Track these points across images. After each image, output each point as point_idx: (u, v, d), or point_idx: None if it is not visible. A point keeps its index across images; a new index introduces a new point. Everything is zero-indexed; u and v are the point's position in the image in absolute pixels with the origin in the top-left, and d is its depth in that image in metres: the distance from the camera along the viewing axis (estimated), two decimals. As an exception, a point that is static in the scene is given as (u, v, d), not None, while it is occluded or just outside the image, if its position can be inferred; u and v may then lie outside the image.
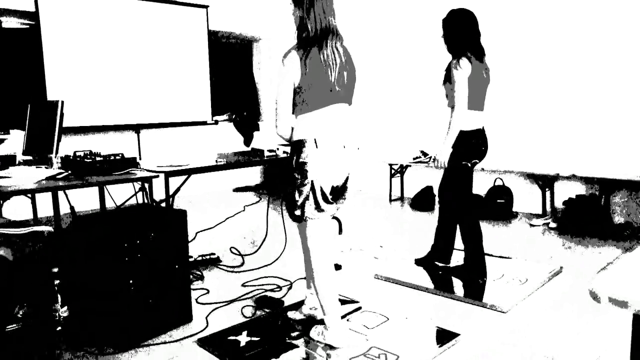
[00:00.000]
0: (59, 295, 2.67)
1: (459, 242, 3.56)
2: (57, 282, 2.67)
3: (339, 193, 2.49)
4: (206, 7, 6.59)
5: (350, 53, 2.46)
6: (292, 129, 2.40)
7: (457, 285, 3.33)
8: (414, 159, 6.18)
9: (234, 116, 7.27)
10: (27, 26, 5.56)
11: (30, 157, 3.37)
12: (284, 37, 7.37)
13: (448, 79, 3.28)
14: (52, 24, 5.34)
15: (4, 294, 2.04)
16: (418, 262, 3.70)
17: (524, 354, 2.41)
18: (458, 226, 3.48)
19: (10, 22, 5.54)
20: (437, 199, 5.94)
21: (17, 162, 3.28)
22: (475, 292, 3.19)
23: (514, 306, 2.97)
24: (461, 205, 3.40)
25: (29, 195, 4.00)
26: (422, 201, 5.95)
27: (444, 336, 2.60)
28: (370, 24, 6.57)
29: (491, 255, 3.82)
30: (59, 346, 2.53)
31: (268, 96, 7.93)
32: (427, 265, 3.63)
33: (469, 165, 3.30)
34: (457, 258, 3.65)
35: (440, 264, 3.61)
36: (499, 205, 5.27)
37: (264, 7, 7.31)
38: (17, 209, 4.32)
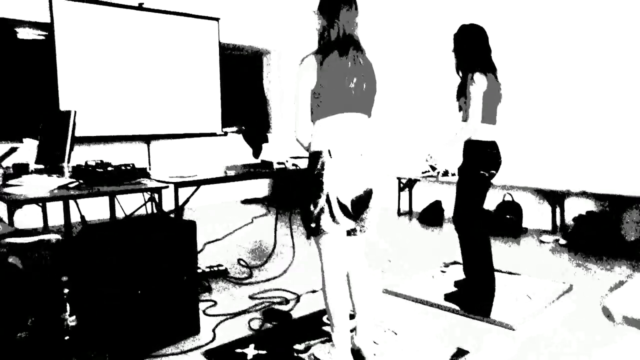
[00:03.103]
0: (67, 305, 2.68)
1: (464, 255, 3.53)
2: (66, 291, 2.68)
3: (360, 207, 2.38)
4: (217, 19, 6.67)
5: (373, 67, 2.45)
6: (311, 135, 2.37)
7: (466, 301, 3.30)
8: (422, 173, 6.17)
9: (243, 128, 7.31)
10: (42, 37, 5.64)
11: (42, 166, 3.40)
12: (294, 49, 7.45)
13: (462, 93, 3.28)
14: (66, 35, 5.41)
15: (14, 302, 2.04)
16: (458, 284, 3.58)
17: (534, 372, 2.38)
18: (459, 238, 3.43)
19: (26, 33, 5.63)
20: (451, 212, 5.93)
21: (29, 171, 3.31)
22: (484, 309, 3.16)
23: (523, 323, 2.93)
24: (472, 218, 3.36)
25: (40, 204, 4.03)
26: (430, 216, 5.92)
27: (453, 353, 2.57)
28: (378, 33, 6.61)
29: (500, 271, 3.79)
30: (68, 356, 2.52)
31: (278, 108, 7.97)
32: (465, 289, 3.48)
33: (487, 175, 3.29)
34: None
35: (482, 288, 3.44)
36: (508, 221, 5.24)
37: (274, 20, 7.38)
38: (28, 217, 4.35)
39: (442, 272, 3.94)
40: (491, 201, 5.38)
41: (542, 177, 5.27)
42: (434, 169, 6.03)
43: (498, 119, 3.36)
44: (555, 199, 5.16)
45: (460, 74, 3.34)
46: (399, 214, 6.43)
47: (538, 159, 5.36)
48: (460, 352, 2.57)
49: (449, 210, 6.02)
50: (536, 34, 5.35)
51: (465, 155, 3.34)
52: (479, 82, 3.15)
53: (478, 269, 3.39)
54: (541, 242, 4.92)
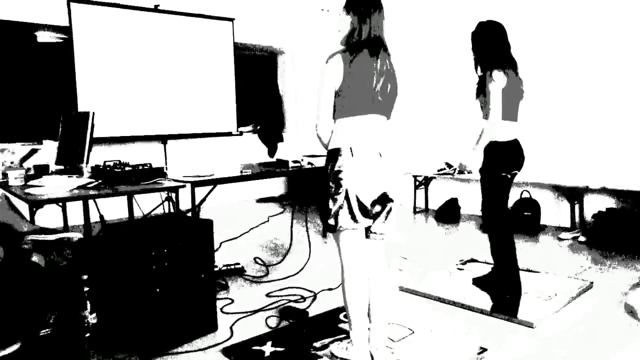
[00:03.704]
0: (88, 302, 2.72)
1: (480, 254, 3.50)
2: (86, 289, 2.72)
3: (378, 208, 2.37)
4: (232, 19, 6.71)
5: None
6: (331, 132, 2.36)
7: (484, 298, 3.28)
8: (438, 170, 6.14)
9: (258, 127, 7.34)
10: (61, 40, 5.73)
11: (62, 167, 3.46)
12: (308, 49, 7.45)
13: (481, 91, 3.24)
14: (84, 38, 5.49)
15: (37, 299, 2.09)
16: (476, 281, 3.57)
17: (554, 370, 2.36)
18: (488, 238, 3.41)
19: (45, 37, 5.72)
20: (467, 209, 5.89)
21: (50, 172, 3.37)
22: (503, 306, 3.14)
23: (543, 321, 2.90)
24: (498, 218, 3.32)
25: (60, 203, 4.10)
26: (447, 213, 5.89)
27: (471, 350, 2.55)
28: (394, 30, 6.59)
29: (519, 269, 3.74)
30: (88, 352, 2.56)
31: (292, 108, 7.99)
32: (487, 286, 3.46)
33: (509, 176, 3.25)
34: (482, 269, 3.60)
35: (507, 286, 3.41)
36: (526, 218, 5.18)
37: (289, 20, 7.40)
38: (48, 217, 4.42)
39: (459, 269, 3.91)
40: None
41: (560, 174, 5.20)
42: (450, 166, 6.01)
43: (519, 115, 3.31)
44: (575, 195, 5.08)
45: (479, 71, 3.30)
46: (415, 211, 6.40)
47: (556, 155, 5.29)
48: (479, 349, 2.55)
49: (465, 208, 5.99)
50: (553, 31, 5.28)
51: (485, 156, 3.28)
52: (498, 80, 3.11)
53: (505, 268, 3.35)
54: (560, 239, 4.86)
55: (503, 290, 3.35)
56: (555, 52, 5.27)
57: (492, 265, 3.48)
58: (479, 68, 3.30)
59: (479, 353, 2.52)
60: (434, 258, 4.26)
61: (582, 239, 4.74)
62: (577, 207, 5.11)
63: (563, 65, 5.23)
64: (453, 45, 5.87)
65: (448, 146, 6.15)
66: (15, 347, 1.65)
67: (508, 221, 3.37)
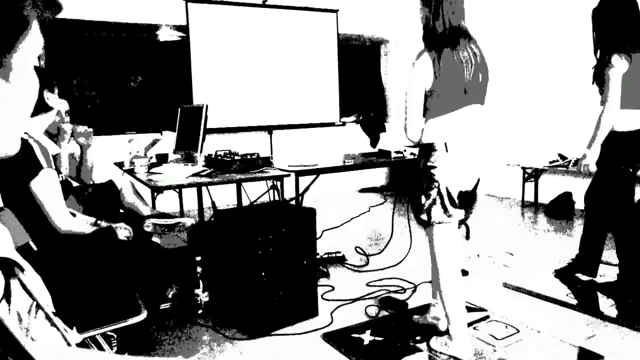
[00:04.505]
0: (200, 282, 2.94)
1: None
2: (199, 269, 2.94)
3: (468, 199, 2.36)
4: (336, 11, 6.77)
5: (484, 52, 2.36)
6: (422, 131, 2.34)
7: (601, 301, 3.04)
8: (550, 162, 5.76)
9: (360, 117, 7.37)
10: (179, 38, 6.16)
11: (179, 156, 3.74)
12: (412, 38, 7.31)
13: (600, 76, 2.97)
14: (199, 35, 5.86)
15: (159, 276, 2.30)
16: (558, 273, 3.42)
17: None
18: (614, 239, 3.15)
19: (165, 35, 6.19)
20: (582, 204, 5.48)
21: (168, 160, 3.66)
22: (622, 312, 2.89)
23: (670, 330, 2.64)
24: (619, 215, 3.06)
25: (177, 190, 4.44)
26: (558, 208, 5.51)
27: (584, 356, 2.40)
28: (501, 16, 6.26)
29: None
30: (200, 328, 2.78)
31: (395, 98, 7.91)
32: (568, 277, 3.34)
33: (630, 170, 2.98)
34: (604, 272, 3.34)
35: (585, 277, 3.30)
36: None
37: (392, 9, 7.31)
38: (167, 202, 4.82)
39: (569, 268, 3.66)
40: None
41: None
42: (563, 158, 5.61)
43: None
44: None
45: (598, 55, 3.02)
46: (524, 205, 6.07)
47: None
48: (593, 356, 2.39)
49: (580, 203, 5.55)
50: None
51: (604, 147, 2.97)
52: (618, 65, 2.83)
53: (624, 269, 3.09)
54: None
55: (627, 295, 3.07)
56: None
57: (618, 268, 3.21)
58: (598, 51, 3.02)
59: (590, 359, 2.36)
60: (543, 255, 4.03)
61: None
62: None
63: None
64: (570, 22, 5.44)
65: (562, 136, 5.74)
66: (143, 316, 1.85)
67: (634, 218, 3.08)
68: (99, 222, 2.39)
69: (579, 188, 5.60)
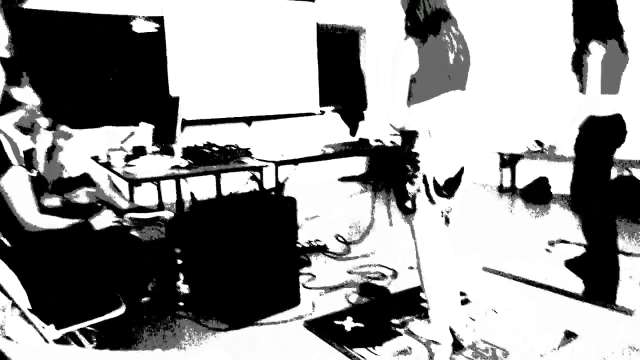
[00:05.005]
0: (180, 274, 2.93)
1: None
2: (179, 262, 2.93)
3: (453, 186, 2.35)
4: (313, 0, 6.73)
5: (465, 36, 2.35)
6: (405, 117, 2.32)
7: (576, 281, 3.11)
8: (527, 148, 5.84)
9: (340, 107, 7.37)
10: (154, 30, 6.06)
11: (157, 148, 3.70)
12: (390, 26, 7.32)
13: (578, 63, 2.99)
14: (175, 26, 5.78)
15: (138, 269, 2.28)
16: (569, 264, 3.41)
17: (653, 359, 2.21)
18: (580, 219, 3.20)
19: (139, 27, 6.08)
20: (558, 189, 5.58)
21: (146, 153, 3.61)
22: (597, 291, 2.96)
23: (643, 308, 2.72)
24: (595, 196, 3.10)
25: (155, 182, 4.38)
26: (535, 193, 5.61)
27: (559, 335, 2.45)
28: (479, 2, 6.29)
29: (618, 252, 3.51)
30: (181, 320, 2.76)
31: (374, 86, 7.92)
32: (580, 269, 3.29)
33: (609, 154, 3.02)
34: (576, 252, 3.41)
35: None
36: (625, 199, 4.81)
37: (370, -3, 7.30)
38: (145, 195, 4.76)
39: (547, 250, 3.74)
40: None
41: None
42: (540, 144, 5.68)
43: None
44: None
45: (577, 40, 3.04)
46: (501, 190, 6.16)
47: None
48: (568, 334, 2.45)
49: (556, 187, 5.66)
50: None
51: (583, 132, 2.99)
52: (595, 52, 2.86)
53: (601, 250, 3.14)
54: (665, 221, 4.48)
55: (598, 274, 3.14)
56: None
57: (585, 247, 3.27)
58: (577, 38, 3.03)
59: (567, 337, 2.42)
60: (520, 238, 4.10)
61: (691, 221, 4.33)
62: (686, 186, 4.67)
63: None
64: (548, 8, 5.50)
65: (538, 122, 5.82)
66: (122, 310, 1.83)
67: (607, 202, 3.13)
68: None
69: (555, 173, 5.71)
